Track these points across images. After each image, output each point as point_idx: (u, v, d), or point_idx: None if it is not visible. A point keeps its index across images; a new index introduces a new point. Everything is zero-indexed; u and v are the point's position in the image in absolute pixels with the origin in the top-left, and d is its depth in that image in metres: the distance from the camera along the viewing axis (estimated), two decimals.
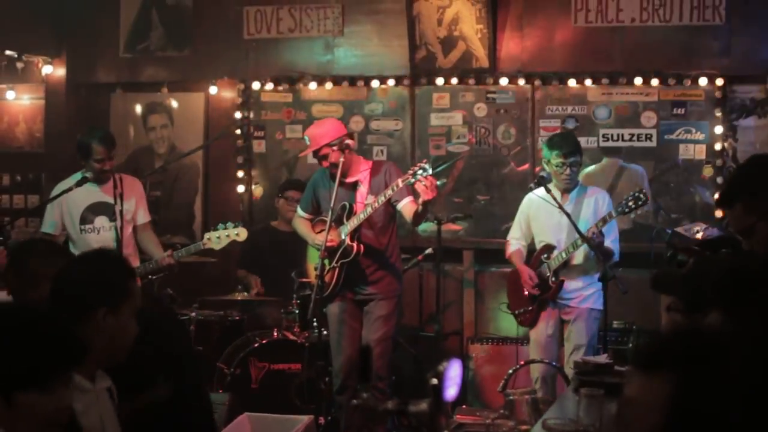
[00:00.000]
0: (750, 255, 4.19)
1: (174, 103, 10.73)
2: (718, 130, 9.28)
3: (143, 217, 8.57)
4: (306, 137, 8.05)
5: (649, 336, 7.44)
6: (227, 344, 8.76)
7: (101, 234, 8.37)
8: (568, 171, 7.84)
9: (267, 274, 9.40)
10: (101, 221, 8.39)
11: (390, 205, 7.84)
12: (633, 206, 7.56)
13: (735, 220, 4.40)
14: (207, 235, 8.34)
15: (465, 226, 9.88)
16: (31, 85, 10.88)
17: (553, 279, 7.93)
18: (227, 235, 8.26)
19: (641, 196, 7.54)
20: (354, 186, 7.96)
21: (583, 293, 7.96)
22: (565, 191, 7.95)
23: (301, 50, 10.35)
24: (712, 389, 1.77)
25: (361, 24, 10.18)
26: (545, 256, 8.01)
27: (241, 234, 8.28)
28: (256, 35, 10.43)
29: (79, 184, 8.23)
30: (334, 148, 7.79)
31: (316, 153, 7.91)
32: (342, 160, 7.73)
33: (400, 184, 7.44)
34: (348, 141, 7.86)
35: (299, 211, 8.35)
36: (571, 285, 7.96)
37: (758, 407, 1.76)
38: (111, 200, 8.33)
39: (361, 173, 7.98)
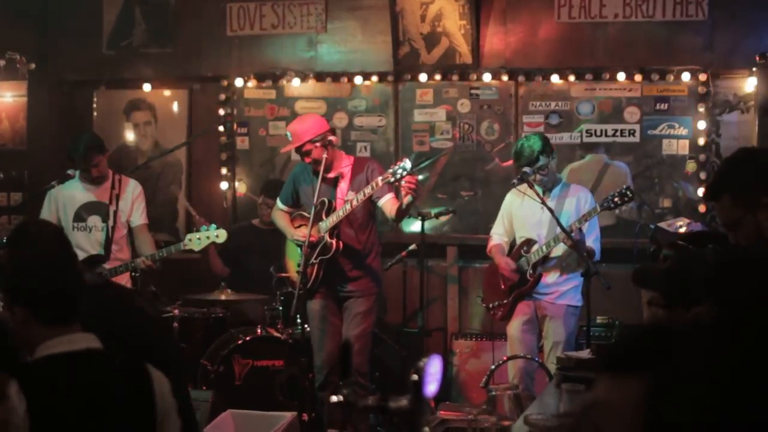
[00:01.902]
0: (735, 248, 4.18)
1: (157, 100, 10.70)
2: (702, 125, 9.30)
3: (138, 219, 8.58)
4: (288, 133, 8.04)
5: (618, 335, 7.44)
6: (210, 341, 8.75)
7: (92, 233, 8.39)
8: (537, 176, 7.80)
9: (248, 270, 9.41)
10: (94, 220, 8.42)
11: (370, 203, 7.84)
12: (618, 202, 7.57)
13: (722, 213, 4.39)
14: (188, 236, 8.37)
15: (448, 221, 9.88)
16: (13, 83, 10.82)
17: (531, 272, 7.93)
18: (207, 236, 8.29)
19: (627, 192, 7.55)
20: (335, 181, 7.95)
21: (560, 289, 7.96)
22: (546, 189, 7.94)
23: (284, 47, 10.33)
24: (685, 386, 1.73)
25: (344, 20, 10.17)
26: (525, 249, 8.01)
27: (221, 236, 8.30)
28: (239, 32, 10.41)
29: (61, 181, 8.27)
30: (317, 144, 7.78)
31: (298, 149, 7.89)
32: (325, 156, 7.72)
33: (380, 183, 7.44)
34: (331, 137, 7.84)
35: (278, 203, 8.34)
36: (549, 279, 7.97)
37: (734, 400, 1.73)
38: (106, 200, 8.40)
39: (343, 168, 7.98)
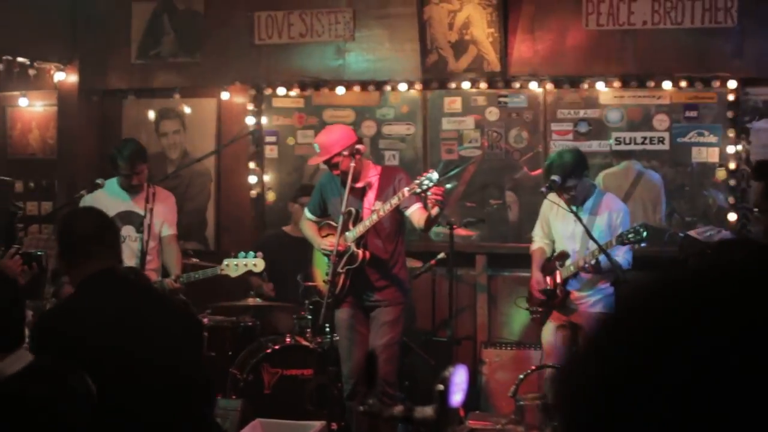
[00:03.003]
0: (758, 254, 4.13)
1: (186, 109, 10.75)
2: (731, 132, 9.24)
3: (168, 229, 8.62)
4: (316, 145, 8.01)
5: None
6: (240, 350, 8.76)
7: (127, 243, 8.40)
8: (566, 197, 7.73)
9: (279, 279, 9.41)
10: (128, 230, 8.44)
11: (398, 213, 7.81)
12: (632, 239, 7.42)
13: (756, 196, 4.33)
14: (225, 262, 8.38)
15: (478, 231, 9.85)
16: (43, 92, 10.90)
17: (561, 288, 7.93)
18: (245, 264, 8.32)
19: (643, 232, 7.38)
20: (363, 191, 7.94)
21: (592, 298, 7.95)
22: (578, 203, 7.87)
23: (313, 55, 10.35)
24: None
25: (372, 28, 10.17)
26: (559, 263, 7.99)
27: (258, 265, 8.34)
28: (267, 40, 10.43)
29: (89, 190, 8.31)
30: (345, 155, 7.76)
31: (327, 162, 7.87)
32: (353, 165, 7.70)
33: (406, 194, 7.41)
34: (358, 146, 7.83)
35: (306, 212, 8.34)
36: (580, 294, 7.96)
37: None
38: (141, 211, 8.44)
39: (371, 178, 7.95)
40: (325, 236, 8.06)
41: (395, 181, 7.84)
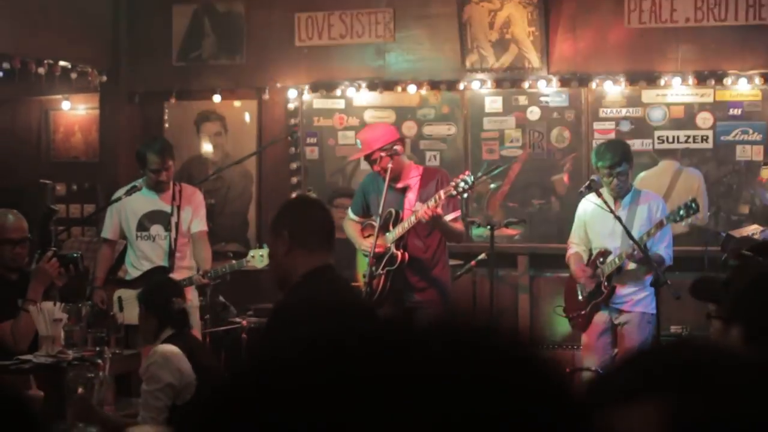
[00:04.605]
0: None
1: (227, 111, 10.74)
2: None
3: (197, 225, 8.59)
4: (358, 141, 8.02)
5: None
6: None
7: (156, 242, 8.42)
8: (615, 181, 7.70)
9: None
10: (157, 229, 8.44)
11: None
12: (684, 215, 7.43)
13: None
14: (251, 253, 8.35)
15: (520, 230, 9.77)
16: (85, 95, 10.96)
17: (606, 284, 7.83)
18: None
19: (693, 205, 7.42)
20: (403, 192, 7.91)
21: (635, 297, 7.85)
22: (618, 197, 7.83)
23: (353, 56, 10.31)
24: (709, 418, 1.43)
25: (412, 29, 10.12)
26: (600, 261, 7.91)
27: None
28: (308, 41, 10.40)
29: (128, 192, 8.32)
30: (386, 152, 7.74)
31: (367, 157, 7.86)
32: (390, 165, 7.67)
33: (443, 196, 7.37)
34: (396, 147, 7.79)
35: (350, 213, 8.32)
36: (623, 290, 7.86)
37: None
38: (168, 209, 8.42)
39: (411, 179, 7.91)
40: (368, 236, 8.02)
41: (437, 183, 7.79)
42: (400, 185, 7.88)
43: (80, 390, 5.53)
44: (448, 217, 7.63)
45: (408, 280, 7.84)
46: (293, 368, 1.10)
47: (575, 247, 8.23)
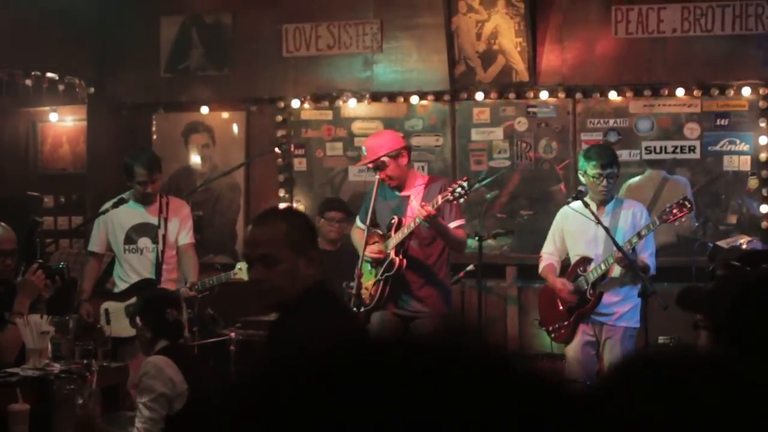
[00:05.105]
0: None
1: (215, 123, 10.73)
2: (763, 140, 9.14)
3: (184, 238, 8.57)
4: (363, 147, 8.03)
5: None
6: None
7: (144, 255, 8.41)
8: (605, 182, 7.66)
9: None
10: (144, 242, 8.42)
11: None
12: (677, 213, 7.37)
13: None
14: (239, 265, 8.33)
15: (508, 242, 9.77)
16: (73, 107, 10.94)
17: (591, 291, 7.76)
18: None
19: (686, 203, 7.38)
20: (407, 199, 7.92)
21: (620, 310, 7.76)
22: (601, 204, 7.78)
23: (340, 67, 10.32)
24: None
25: (400, 40, 10.13)
26: (581, 269, 7.83)
27: None
28: (295, 53, 10.41)
29: (115, 205, 8.31)
30: (391, 158, 7.75)
31: (373, 163, 7.87)
32: (390, 173, 7.72)
33: (440, 201, 7.39)
34: (402, 153, 7.81)
35: (357, 221, 8.33)
36: (610, 298, 7.79)
37: None
38: (155, 221, 8.40)
39: (416, 188, 7.93)
40: (373, 244, 8.03)
41: (440, 190, 7.79)
42: (404, 193, 7.92)
43: (80, 401, 5.50)
44: (452, 225, 7.66)
45: (408, 286, 7.84)
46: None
47: (548, 257, 8.14)
